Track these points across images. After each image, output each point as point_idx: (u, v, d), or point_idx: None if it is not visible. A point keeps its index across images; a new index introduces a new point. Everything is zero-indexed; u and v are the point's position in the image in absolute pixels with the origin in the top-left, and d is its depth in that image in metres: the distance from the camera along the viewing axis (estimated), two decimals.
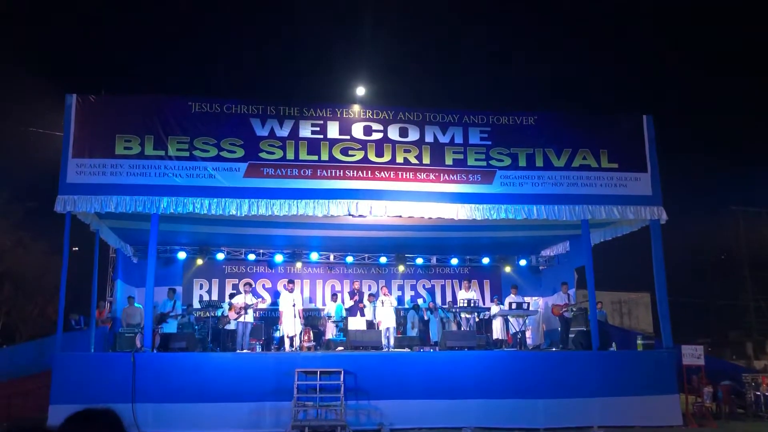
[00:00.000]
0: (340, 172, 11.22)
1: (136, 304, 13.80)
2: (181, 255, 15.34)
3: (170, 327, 13.01)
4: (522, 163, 11.71)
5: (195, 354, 10.94)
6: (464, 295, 14.68)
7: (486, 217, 11.44)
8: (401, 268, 16.81)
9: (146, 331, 10.62)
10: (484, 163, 11.60)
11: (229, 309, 12.95)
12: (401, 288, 17.05)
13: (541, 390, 10.62)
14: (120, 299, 14.40)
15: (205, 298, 15.42)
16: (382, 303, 13.35)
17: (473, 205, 11.39)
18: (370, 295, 15.39)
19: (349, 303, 13.62)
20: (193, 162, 10.88)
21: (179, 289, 15.25)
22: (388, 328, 13.28)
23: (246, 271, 16.30)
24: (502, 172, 11.63)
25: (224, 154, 10.96)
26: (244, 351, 11.98)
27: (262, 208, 10.85)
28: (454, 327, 14.60)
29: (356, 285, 14.30)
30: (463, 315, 14.21)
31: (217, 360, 10.68)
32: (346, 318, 13.60)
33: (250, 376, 10.23)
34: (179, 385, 10.01)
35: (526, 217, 11.54)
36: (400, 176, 11.38)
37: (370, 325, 13.77)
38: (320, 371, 10.20)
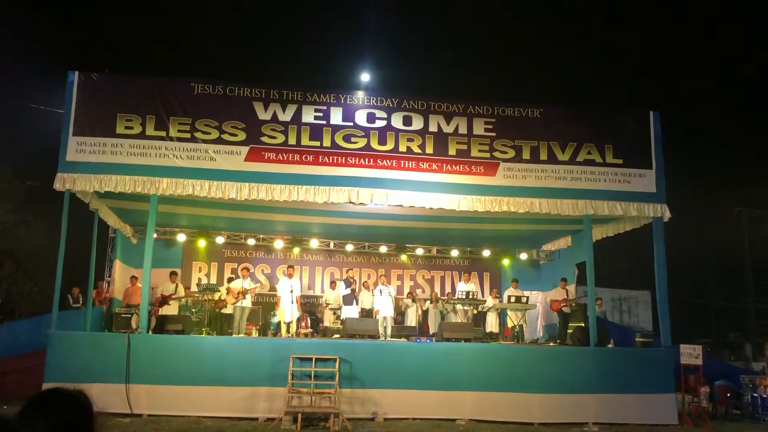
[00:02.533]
0: (341, 159, 11.14)
1: (139, 285, 13.76)
2: (181, 237, 15.28)
3: (170, 309, 12.98)
4: (526, 155, 11.61)
5: (190, 337, 10.93)
6: (464, 287, 14.62)
7: (488, 209, 11.35)
8: (402, 257, 16.73)
9: (142, 312, 10.58)
10: (487, 155, 11.51)
11: (227, 293, 12.89)
12: (401, 278, 17.00)
13: (537, 384, 10.57)
14: (118, 279, 14.37)
15: (204, 281, 15.40)
16: (381, 291, 13.24)
17: (475, 197, 11.32)
18: (364, 282, 15.32)
19: (344, 291, 13.53)
20: (194, 144, 10.81)
21: (177, 271, 15.22)
22: (386, 318, 13.21)
23: (245, 256, 16.25)
24: (506, 164, 11.54)
25: (225, 136, 10.88)
26: (241, 335, 11.95)
27: (263, 192, 10.78)
28: (453, 318, 14.57)
29: (350, 273, 14.20)
30: (460, 307, 14.16)
31: (213, 343, 10.65)
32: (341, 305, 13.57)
33: (245, 361, 10.21)
34: (174, 367, 10.00)
35: (528, 210, 11.45)
36: (402, 165, 11.31)
37: (367, 313, 13.74)
38: (315, 358, 10.16)
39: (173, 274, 13.76)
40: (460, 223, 13.85)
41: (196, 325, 12.53)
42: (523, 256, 16.93)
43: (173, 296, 13.23)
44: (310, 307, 15.98)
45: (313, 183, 10.95)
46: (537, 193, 11.50)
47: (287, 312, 12.57)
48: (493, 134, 11.61)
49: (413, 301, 15.46)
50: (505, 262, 17.14)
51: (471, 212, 11.53)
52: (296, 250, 16.23)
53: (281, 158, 10.99)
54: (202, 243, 15.56)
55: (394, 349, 10.97)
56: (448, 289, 16.88)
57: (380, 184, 11.16)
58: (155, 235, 11.70)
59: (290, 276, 13.06)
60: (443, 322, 13.60)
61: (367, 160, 11.24)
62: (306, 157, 11.06)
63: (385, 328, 13.11)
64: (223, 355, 10.27)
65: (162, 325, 11.09)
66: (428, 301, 15.38)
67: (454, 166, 11.43)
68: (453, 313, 14.78)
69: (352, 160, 11.18)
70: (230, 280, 14.64)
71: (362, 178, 11.13)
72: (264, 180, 10.85)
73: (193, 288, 14.95)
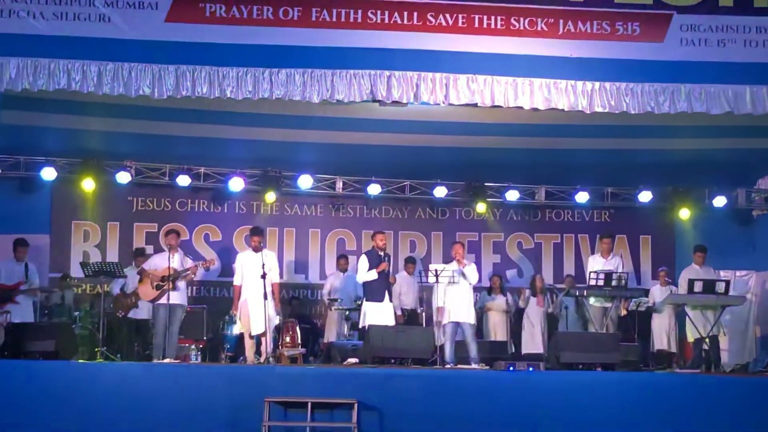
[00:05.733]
0: (355, 14, 11.16)
1: None
2: (49, 174, 15.40)
3: (22, 311, 13.15)
4: (725, 0, 11.47)
5: (73, 364, 11.16)
6: (601, 264, 14.52)
7: (647, 110, 11.34)
8: (478, 207, 16.78)
9: None
10: (648, 0, 11.42)
11: (140, 280, 13.05)
12: (475, 248, 17.04)
13: None
14: None
15: (95, 257, 15.57)
16: (453, 276, 13.22)
17: (623, 85, 11.31)
18: (408, 260, 15.22)
19: (368, 275, 13.49)
20: None
21: (41, 240, 15.47)
22: (459, 324, 13.19)
23: (173, 209, 16.50)
24: (684, 19, 11.46)
25: None
26: (167, 360, 12.15)
27: (203, 83, 10.87)
28: (579, 326, 14.58)
29: (380, 240, 14.04)
30: (594, 302, 14.11)
31: (117, 377, 10.80)
32: (362, 303, 13.62)
33: (178, 409, 10.35)
34: (42, 421, 10.14)
35: (730, 110, 11.39)
36: (475, 25, 11.30)
37: (410, 317, 13.80)
38: (312, 402, 10.27)
39: (20, 244, 13.79)
40: (593, 138, 13.99)
41: (83, 343, 12.73)
42: (718, 201, 16.76)
43: (22, 286, 13.38)
44: (299, 306, 16.08)
45: (300, 63, 10.99)
46: (745, 74, 11.45)
47: (256, 316, 12.67)
48: None
49: (501, 292, 15.46)
50: (682, 214, 17.05)
51: (614, 116, 11.61)
52: (270, 197, 16.32)
53: (236, 15, 11.02)
54: (88, 185, 15.66)
55: (466, 385, 11.01)
56: (568, 270, 16.96)
57: (432, 62, 11.19)
58: (0, 170, 11.76)
59: (257, 247, 13.08)
60: (559, 333, 13.58)
61: (404, 16, 11.23)
62: (286, 13, 11.06)
63: (453, 345, 13.10)
64: (137, 399, 10.39)
65: (17, 343, 11.28)
66: (529, 293, 15.37)
67: (579, 25, 11.43)
68: (579, 316, 14.78)
69: (375, 16, 11.18)
70: (139, 254, 14.79)
71: (397, 51, 11.17)
72: (205, 59, 10.92)
73: (75, 271, 15.18)
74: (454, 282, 13.21)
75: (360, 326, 13.46)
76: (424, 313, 14.37)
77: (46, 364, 10.89)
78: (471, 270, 13.39)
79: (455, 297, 13.18)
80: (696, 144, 14.22)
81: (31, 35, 10.75)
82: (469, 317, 13.23)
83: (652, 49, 11.41)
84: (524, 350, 14.96)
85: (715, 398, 10.99)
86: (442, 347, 13.11)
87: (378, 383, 10.70)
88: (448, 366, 12.61)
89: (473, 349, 13.01)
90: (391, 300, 13.31)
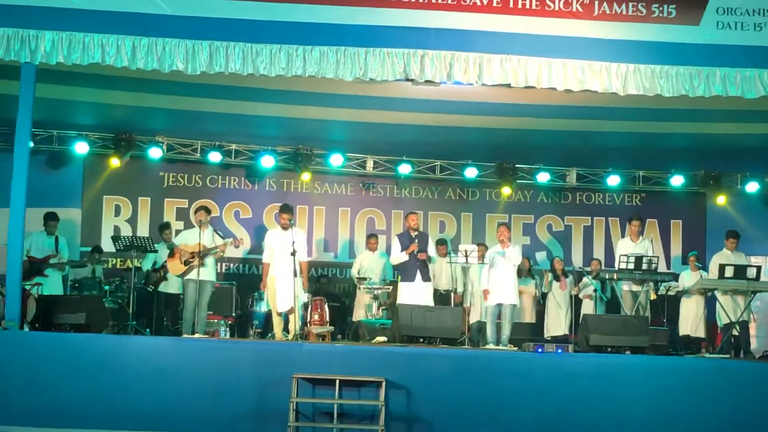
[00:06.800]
0: None
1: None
2: (81, 148, 15.49)
3: (52, 284, 13.23)
4: None
5: (104, 337, 11.22)
6: (629, 247, 14.44)
7: (681, 93, 11.30)
8: (504, 191, 16.77)
9: (9, 292, 10.84)
10: None
11: (171, 255, 13.11)
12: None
13: None
14: None
15: (126, 232, 15.65)
16: (491, 259, 13.17)
17: (658, 68, 11.28)
18: (439, 242, 15.16)
19: (399, 257, 13.47)
20: None
21: (72, 214, 15.61)
22: (502, 306, 13.12)
23: (204, 185, 16.53)
24: (720, 2, 11.41)
25: None
26: (197, 336, 12.21)
27: (236, 59, 10.90)
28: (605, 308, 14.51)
29: (412, 221, 14.00)
30: (625, 287, 14.06)
31: (146, 351, 10.83)
32: (394, 283, 13.61)
33: (206, 385, 10.41)
34: (72, 394, 10.21)
35: (765, 94, 11.34)
36: (509, 5, 11.28)
37: (442, 298, 13.75)
38: (340, 380, 10.29)
39: (51, 217, 13.83)
40: (626, 121, 13.94)
41: (113, 316, 12.83)
42: (751, 187, 16.66)
43: (52, 259, 13.43)
44: (328, 285, 16.14)
45: (334, 41, 11.01)
46: None
47: (283, 293, 12.67)
48: None
49: (529, 275, 15.44)
50: (716, 199, 16.96)
51: (648, 99, 11.54)
52: (302, 176, 16.36)
53: None
54: (120, 159, 15.72)
55: (494, 366, 10.99)
56: (597, 254, 16.92)
57: (466, 42, 11.17)
58: (32, 144, 11.83)
59: (287, 225, 13.07)
60: (588, 316, 13.53)
61: None
62: None
63: (499, 325, 13.06)
64: (167, 373, 10.46)
65: (48, 315, 11.34)
66: (551, 276, 15.38)
67: (614, 7, 11.37)
68: (606, 299, 14.75)
69: None
70: (165, 227, 14.88)
71: (431, 30, 11.14)
72: (238, 35, 10.94)
73: (106, 245, 15.28)
74: (486, 263, 13.24)
75: (390, 303, 13.51)
76: (453, 295, 14.33)
77: (76, 337, 10.94)
78: (514, 251, 13.42)
79: (498, 278, 13.17)
80: (730, 128, 14.13)
81: (66, 9, 10.80)
82: (511, 298, 13.20)
83: (687, 32, 11.35)
84: (550, 333, 15.04)
85: (743, 384, 10.93)
86: (471, 327, 13.11)
87: (406, 362, 10.70)
88: (488, 347, 12.68)
89: (506, 331, 13.00)
90: (425, 279, 13.27)
